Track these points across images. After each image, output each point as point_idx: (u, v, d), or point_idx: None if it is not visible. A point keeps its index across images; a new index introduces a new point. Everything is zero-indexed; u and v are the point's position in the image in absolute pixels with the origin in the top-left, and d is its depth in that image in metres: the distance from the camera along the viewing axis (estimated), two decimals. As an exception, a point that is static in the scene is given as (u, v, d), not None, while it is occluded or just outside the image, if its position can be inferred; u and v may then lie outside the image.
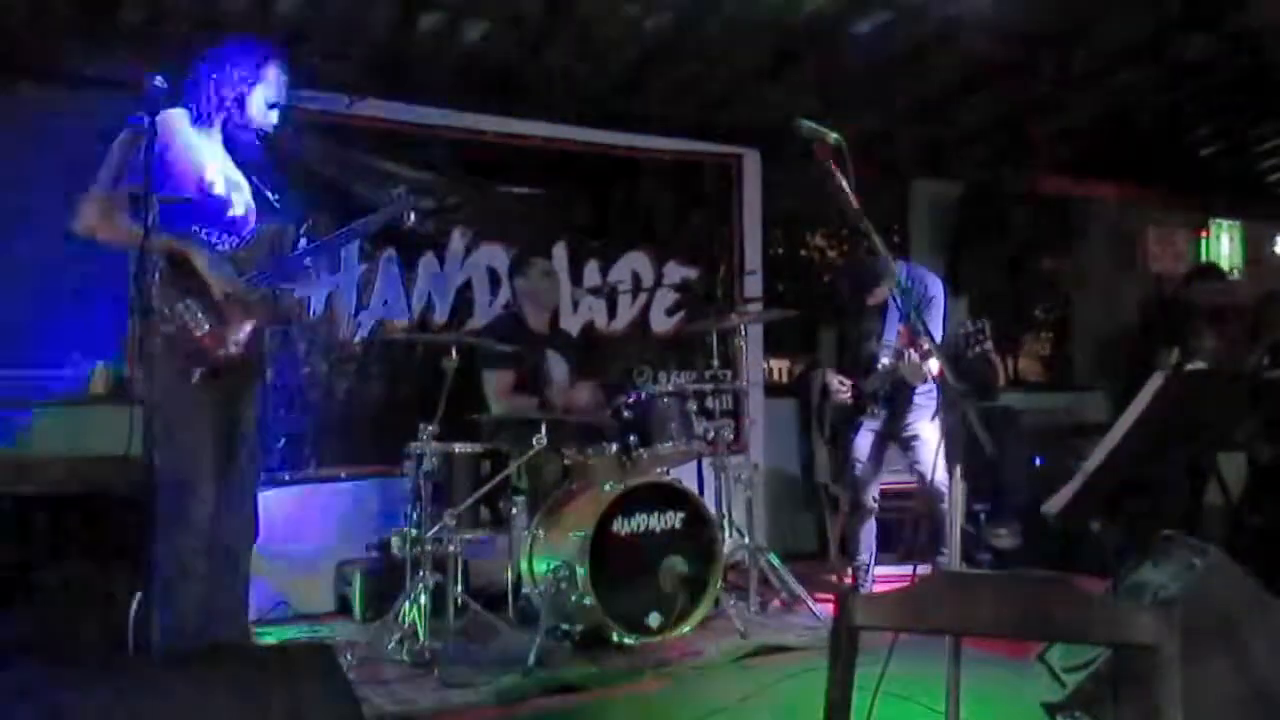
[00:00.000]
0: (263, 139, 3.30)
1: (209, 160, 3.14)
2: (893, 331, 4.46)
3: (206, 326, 3.01)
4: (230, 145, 3.24)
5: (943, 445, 4.29)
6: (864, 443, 4.60)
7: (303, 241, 3.42)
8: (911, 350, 4.16)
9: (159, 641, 2.90)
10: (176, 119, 3.10)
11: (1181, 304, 5.67)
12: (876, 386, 4.49)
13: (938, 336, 4.20)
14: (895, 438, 4.60)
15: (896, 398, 4.50)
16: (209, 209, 3.11)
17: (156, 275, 2.80)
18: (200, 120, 3.16)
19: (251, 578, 3.35)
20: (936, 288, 4.46)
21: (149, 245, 2.57)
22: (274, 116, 3.27)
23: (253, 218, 3.26)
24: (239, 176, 3.24)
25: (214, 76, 3.15)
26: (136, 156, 2.80)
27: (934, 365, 4.10)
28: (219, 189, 3.14)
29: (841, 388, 4.52)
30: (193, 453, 3.01)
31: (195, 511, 3.01)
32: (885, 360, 4.47)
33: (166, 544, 2.94)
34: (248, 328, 3.10)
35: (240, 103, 3.19)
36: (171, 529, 2.94)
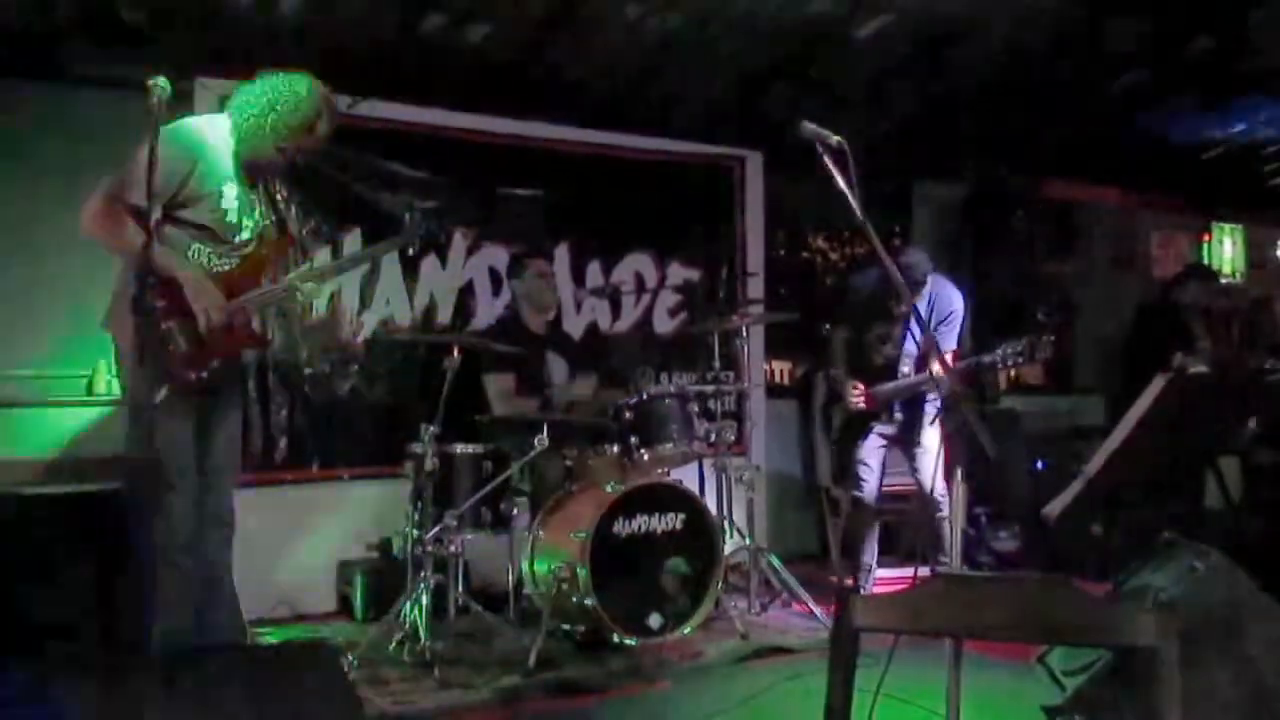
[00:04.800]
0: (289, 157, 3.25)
1: (227, 182, 3.15)
2: (913, 341, 4.42)
3: (184, 348, 3.05)
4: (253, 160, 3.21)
5: (942, 453, 4.28)
6: (872, 446, 4.58)
7: (313, 246, 3.41)
8: (935, 363, 4.10)
9: (154, 638, 2.93)
10: (208, 131, 3.10)
11: (1173, 305, 5.64)
12: (891, 394, 4.48)
13: (953, 349, 4.22)
14: (905, 445, 4.58)
15: (911, 406, 4.49)
16: (218, 232, 3.14)
17: (147, 286, 2.82)
18: (235, 135, 3.14)
19: (253, 578, 3.35)
20: (959, 301, 4.44)
21: (144, 259, 2.57)
22: (323, 139, 3.23)
23: (256, 240, 3.25)
24: (254, 195, 3.23)
25: (264, 97, 3.10)
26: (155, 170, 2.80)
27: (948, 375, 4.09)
28: (231, 217, 3.16)
29: (855, 392, 4.50)
30: (167, 453, 3.04)
31: (173, 508, 3.06)
32: (905, 369, 4.46)
33: (148, 539, 3.00)
34: (225, 354, 3.15)
35: (287, 131, 3.14)
36: (152, 524, 2.99)
